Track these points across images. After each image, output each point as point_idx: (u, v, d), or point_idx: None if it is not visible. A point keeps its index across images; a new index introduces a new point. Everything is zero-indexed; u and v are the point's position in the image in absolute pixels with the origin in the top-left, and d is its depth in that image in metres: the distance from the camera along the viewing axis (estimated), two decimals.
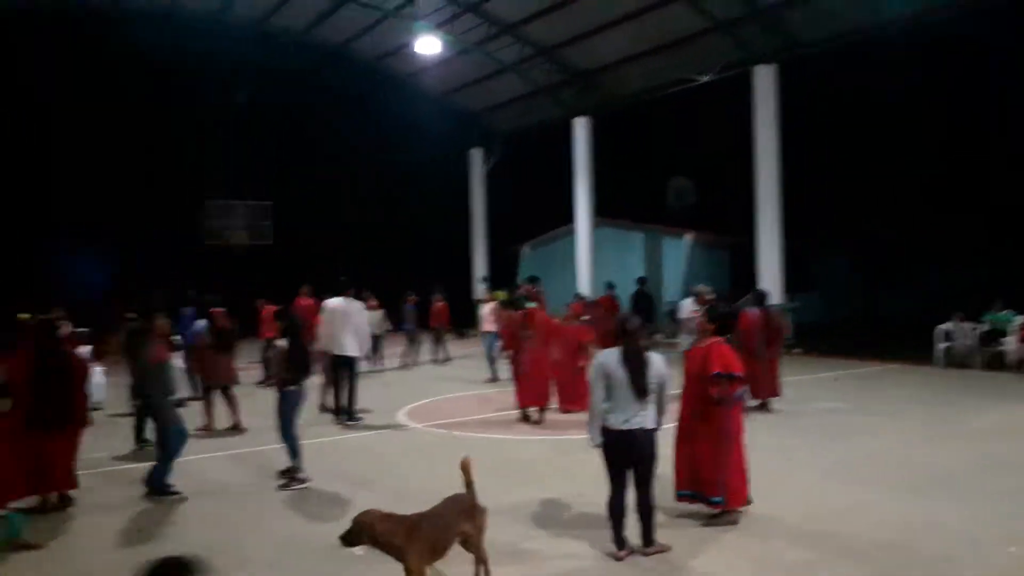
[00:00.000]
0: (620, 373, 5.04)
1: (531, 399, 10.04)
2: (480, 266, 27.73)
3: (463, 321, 22.31)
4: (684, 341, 10.70)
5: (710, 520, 5.74)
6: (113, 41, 20.74)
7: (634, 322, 5.26)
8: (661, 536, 5.26)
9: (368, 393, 11.04)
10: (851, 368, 14.84)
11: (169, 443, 6.81)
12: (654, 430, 5.11)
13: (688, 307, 10.71)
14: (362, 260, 23.55)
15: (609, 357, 5.14)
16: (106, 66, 21.04)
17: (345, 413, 10.01)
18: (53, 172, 21.23)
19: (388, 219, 25.92)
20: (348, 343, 9.81)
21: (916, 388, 12.37)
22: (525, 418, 10.05)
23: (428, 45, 20.69)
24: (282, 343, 7.28)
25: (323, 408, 10.37)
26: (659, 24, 18.79)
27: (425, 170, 26.00)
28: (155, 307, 7.05)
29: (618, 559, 5.10)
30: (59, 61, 20.66)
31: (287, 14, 22.02)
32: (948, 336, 14.77)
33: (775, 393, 10.56)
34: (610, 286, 18.48)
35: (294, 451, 7.12)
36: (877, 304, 26.62)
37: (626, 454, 5.09)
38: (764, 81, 17.94)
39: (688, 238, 24.17)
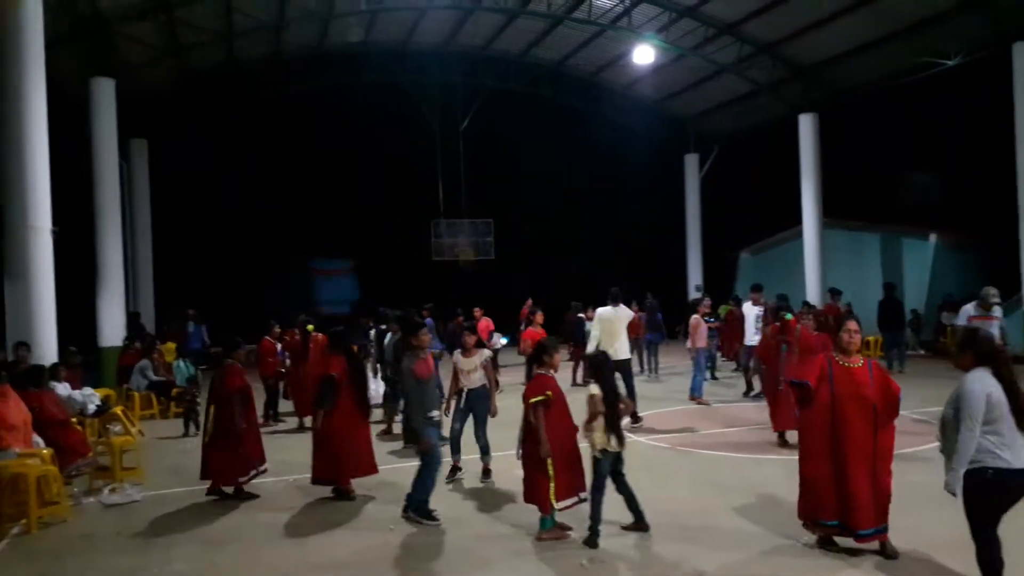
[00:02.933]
0: (1002, 399, 4.29)
1: (792, 421, 9.22)
2: (695, 274, 27.07)
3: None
4: None
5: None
6: (360, 77, 23.13)
7: (993, 339, 4.59)
8: None
9: None
10: None
11: (426, 466, 6.63)
12: None
13: (966, 314, 9.29)
14: (577, 271, 24.07)
15: (994, 383, 4.33)
16: (354, 100, 23.37)
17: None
18: (304, 196, 23.87)
19: (602, 230, 26.23)
20: (622, 347, 10.45)
21: None
22: (784, 442, 9.08)
23: (644, 54, 20.77)
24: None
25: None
26: (893, 7, 17.31)
27: (639, 179, 26.04)
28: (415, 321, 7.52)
29: None
30: (310, 96, 23.42)
31: (508, 38, 23.06)
32: None
33: None
34: (834, 293, 17.19)
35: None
36: None
37: (1012, 499, 4.34)
38: None
39: (932, 239, 21.93)
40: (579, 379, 14.94)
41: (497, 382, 8.26)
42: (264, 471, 7.82)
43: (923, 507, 6.38)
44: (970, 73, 17.62)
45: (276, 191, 23.39)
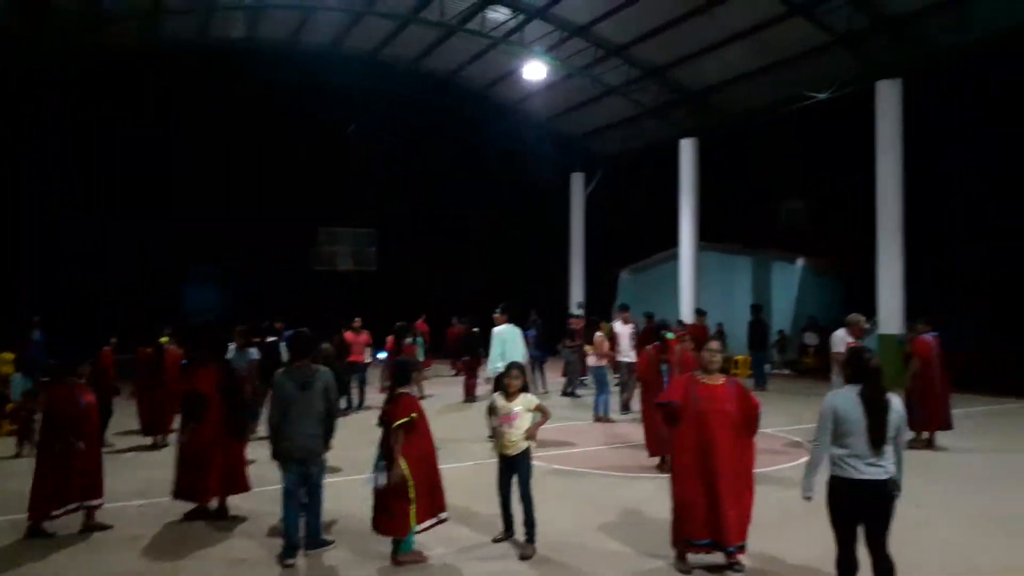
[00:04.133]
0: (856, 416, 4.48)
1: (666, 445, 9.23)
2: (577, 291, 27.35)
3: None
4: (836, 380, 9.60)
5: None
6: (238, 75, 21.94)
7: (876, 359, 4.70)
8: None
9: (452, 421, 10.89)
10: (987, 404, 13.68)
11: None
12: (887, 481, 4.50)
13: (841, 339, 9.47)
14: (460, 284, 23.85)
15: (844, 399, 4.57)
16: (229, 98, 22.23)
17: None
18: (173, 199, 22.47)
19: (487, 244, 26.13)
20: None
21: None
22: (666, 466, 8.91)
23: (535, 71, 20.86)
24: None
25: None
26: (773, 41, 18.16)
27: (527, 195, 26.12)
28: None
29: None
30: (186, 93, 22.02)
31: (398, 44, 22.55)
32: None
33: (948, 425, 9.92)
34: (699, 313, 17.72)
35: None
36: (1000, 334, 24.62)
37: (858, 508, 4.54)
38: (887, 96, 16.94)
39: (799, 263, 23.10)
40: (476, 393, 14.75)
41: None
42: (96, 506, 6.77)
43: (789, 525, 6.46)
44: (838, 107, 18.68)
45: (146, 191, 21.91)
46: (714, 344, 5.72)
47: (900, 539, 4.66)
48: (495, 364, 10.65)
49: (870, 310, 17.48)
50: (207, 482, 6.90)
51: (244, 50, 21.98)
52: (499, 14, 20.09)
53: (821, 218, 24.48)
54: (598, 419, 12.38)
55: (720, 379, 5.60)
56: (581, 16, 19.65)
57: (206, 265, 23.84)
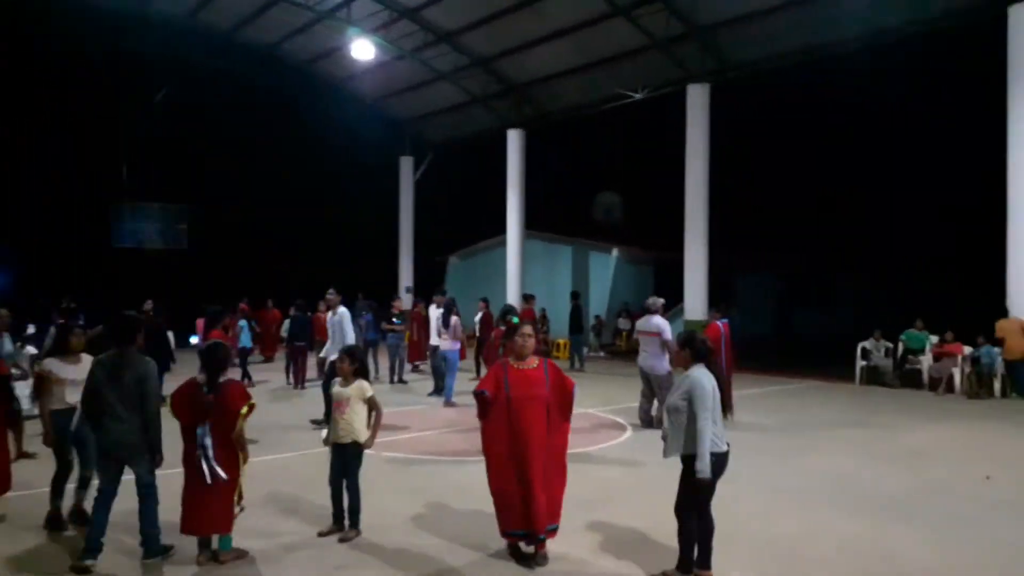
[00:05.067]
0: (714, 392, 4.87)
1: None
2: (406, 275, 27.27)
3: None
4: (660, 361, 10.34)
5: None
6: (27, 31, 19.48)
7: (707, 341, 5.12)
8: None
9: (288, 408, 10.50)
10: (777, 384, 15.22)
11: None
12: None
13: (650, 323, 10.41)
14: (284, 267, 22.87)
15: (706, 375, 4.90)
16: (19, 56, 19.72)
17: None
18: None
19: (313, 226, 25.21)
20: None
21: (841, 406, 12.73)
22: None
23: (362, 50, 20.34)
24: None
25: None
26: (595, 40, 18.94)
27: (354, 177, 25.47)
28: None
29: None
30: None
31: (214, 10, 21.09)
32: (865, 354, 15.32)
33: (729, 410, 10.68)
34: (527, 298, 18.26)
35: None
36: (794, 322, 27.58)
37: (717, 477, 4.88)
38: (697, 100, 18.31)
39: (615, 253, 24.43)
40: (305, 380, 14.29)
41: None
42: None
43: (615, 502, 6.83)
44: (652, 107, 19.89)
45: None
46: (526, 328, 5.49)
47: (718, 508, 5.05)
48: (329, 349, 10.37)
49: (677, 297, 18.89)
50: None
51: (37, 9, 19.56)
52: None
53: (635, 210, 26.02)
54: (448, 404, 12.34)
55: (534, 362, 5.43)
56: None
57: None
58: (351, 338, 10.26)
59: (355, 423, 5.86)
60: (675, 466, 5.03)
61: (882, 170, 26.64)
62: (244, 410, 5.20)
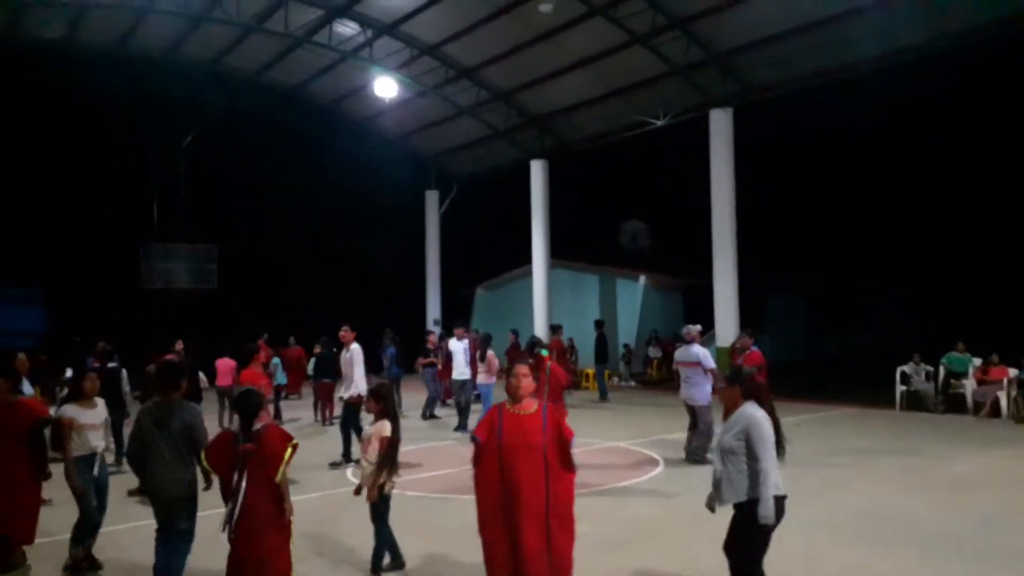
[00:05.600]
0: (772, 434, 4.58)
1: None
2: (433, 308, 27.28)
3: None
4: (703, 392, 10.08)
5: None
6: (60, 78, 20.05)
7: (754, 375, 4.88)
8: None
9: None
10: (811, 412, 14.79)
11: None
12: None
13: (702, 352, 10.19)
14: (312, 304, 22.99)
15: (761, 413, 4.61)
16: (52, 103, 20.30)
17: None
18: None
19: (341, 262, 25.35)
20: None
21: (881, 434, 12.31)
22: None
23: (385, 87, 20.62)
24: None
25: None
26: (615, 69, 18.97)
27: (380, 212, 25.69)
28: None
29: None
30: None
31: (241, 55, 21.49)
32: (905, 378, 14.87)
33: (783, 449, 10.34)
34: (554, 328, 18.01)
35: None
36: (826, 345, 27.05)
37: (777, 523, 4.55)
38: (720, 125, 18.17)
39: (642, 280, 24.21)
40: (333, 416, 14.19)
41: None
42: None
43: (650, 540, 6.60)
44: (676, 133, 19.80)
45: None
46: (520, 368, 4.92)
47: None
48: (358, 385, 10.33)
49: (708, 323, 18.57)
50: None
51: (71, 56, 20.12)
52: (347, 28, 19.69)
53: (661, 237, 25.83)
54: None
55: (531, 407, 4.88)
56: (430, 36, 19.63)
57: (20, 287, 21.54)
58: (360, 376, 10.21)
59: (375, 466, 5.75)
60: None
61: (910, 186, 26.17)
62: (287, 454, 4.83)
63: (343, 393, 10.50)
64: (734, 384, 4.77)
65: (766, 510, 4.38)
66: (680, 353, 10.36)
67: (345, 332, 10.79)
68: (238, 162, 23.46)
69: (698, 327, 10.53)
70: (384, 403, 5.94)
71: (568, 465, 4.85)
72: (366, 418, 6.41)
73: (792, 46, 16.41)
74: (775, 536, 6.37)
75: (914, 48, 15.55)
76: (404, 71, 20.83)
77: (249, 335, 15.42)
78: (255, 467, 4.72)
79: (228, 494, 4.74)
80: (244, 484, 4.67)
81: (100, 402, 6.21)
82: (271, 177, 23.92)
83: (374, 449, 5.75)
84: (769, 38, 16.41)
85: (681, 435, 10.54)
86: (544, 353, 9.33)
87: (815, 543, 6.61)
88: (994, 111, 21.39)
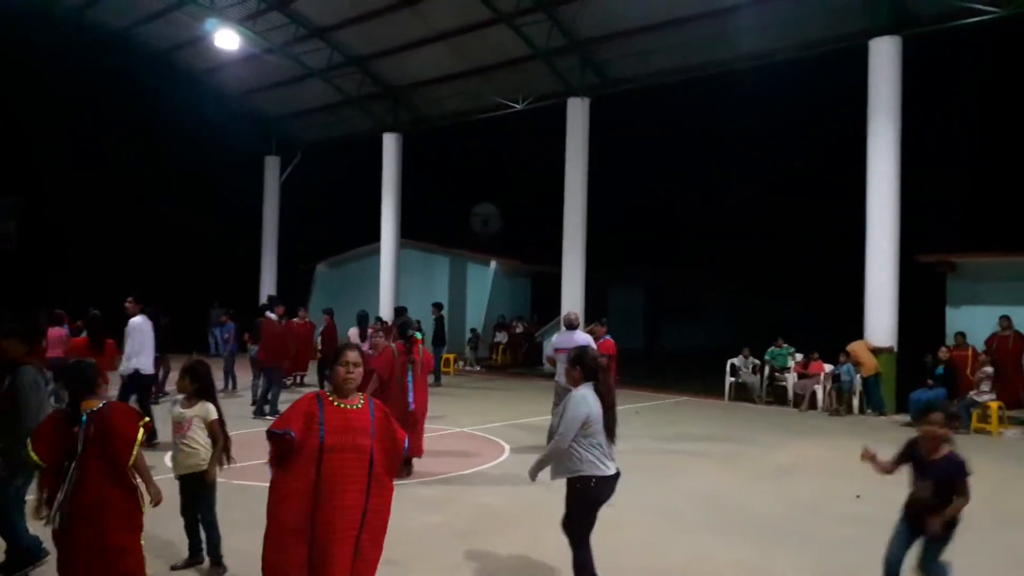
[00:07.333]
0: (599, 413, 4.64)
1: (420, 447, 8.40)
2: (268, 283, 25.59)
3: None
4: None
5: None
6: None
7: (601, 359, 4.92)
8: None
9: None
10: (648, 400, 15.19)
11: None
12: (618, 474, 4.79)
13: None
14: (134, 268, 20.86)
15: (592, 399, 4.65)
16: None
17: None
18: None
19: (166, 227, 23.20)
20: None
21: (712, 422, 12.76)
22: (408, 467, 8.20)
23: (227, 39, 18.99)
24: None
25: None
26: (477, 46, 18.56)
27: (215, 176, 23.66)
28: None
29: None
30: None
31: None
32: (734, 370, 15.62)
33: (612, 434, 10.31)
34: (399, 311, 17.21)
35: None
36: (662, 336, 28.22)
37: (602, 502, 4.69)
38: (576, 113, 18.25)
39: (493, 265, 24.06)
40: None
41: None
42: None
43: (496, 531, 6.27)
44: (533, 119, 19.68)
45: None
46: (350, 355, 3.98)
47: (602, 532, 4.81)
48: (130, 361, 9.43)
49: (554, 311, 18.69)
50: None
51: None
52: None
53: (514, 222, 25.81)
54: None
55: (358, 401, 3.98)
56: None
57: None
58: (137, 350, 9.39)
59: (199, 450, 5.20)
60: (560, 488, 4.77)
61: (755, 189, 27.77)
62: (140, 436, 4.18)
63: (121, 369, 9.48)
64: (575, 365, 4.84)
65: (539, 465, 4.79)
66: (561, 339, 9.88)
67: (129, 304, 9.84)
68: (49, 106, 20.82)
69: (576, 312, 10.39)
70: (201, 383, 5.33)
71: (394, 471, 4.06)
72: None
73: (651, 41, 16.69)
74: (622, 523, 6.28)
75: (760, 55, 16.26)
76: (249, 24, 19.28)
77: (51, 303, 13.63)
78: (90, 457, 4.06)
79: (51, 483, 4.10)
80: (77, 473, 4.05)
81: None
82: (90, 127, 21.45)
83: (201, 435, 5.25)
84: (629, 31, 16.62)
85: (528, 420, 10.37)
86: (419, 336, 8.89)
87: (659, 531, 6.58)
88: (829, 121, 22.94)
